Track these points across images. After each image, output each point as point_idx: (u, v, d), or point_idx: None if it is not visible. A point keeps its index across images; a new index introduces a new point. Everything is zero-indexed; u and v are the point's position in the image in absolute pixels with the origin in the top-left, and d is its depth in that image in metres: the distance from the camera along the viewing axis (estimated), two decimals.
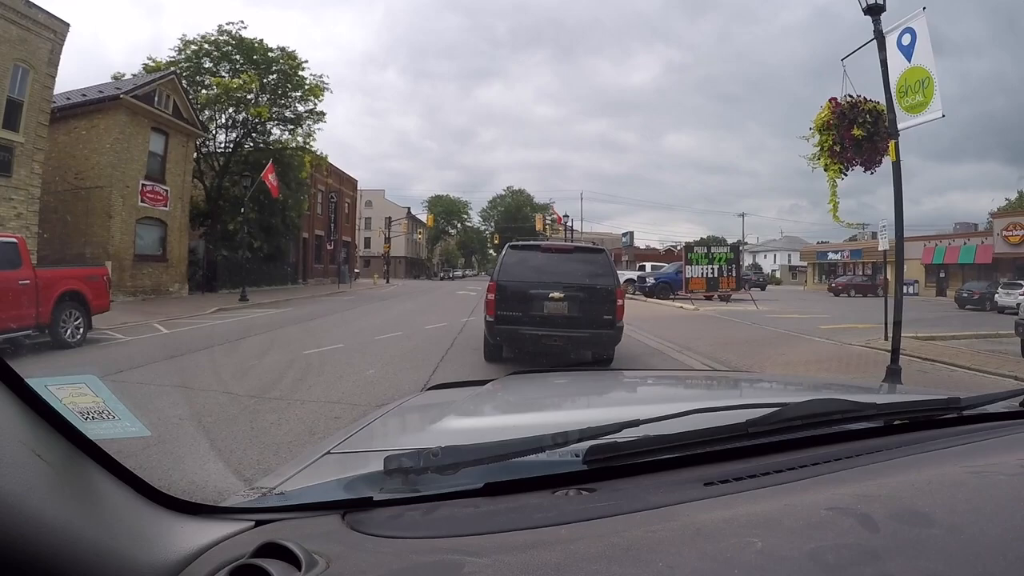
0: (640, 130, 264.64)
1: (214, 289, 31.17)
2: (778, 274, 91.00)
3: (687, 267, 28.96)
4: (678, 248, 78.49)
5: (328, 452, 1.56)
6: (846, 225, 12.60)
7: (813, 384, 2.78)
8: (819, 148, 10.00)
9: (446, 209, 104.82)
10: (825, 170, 9.97)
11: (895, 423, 1.51)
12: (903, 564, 0.83)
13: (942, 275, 49.96)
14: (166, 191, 28.02)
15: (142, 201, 26.61)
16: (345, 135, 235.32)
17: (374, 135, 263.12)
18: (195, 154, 33.07)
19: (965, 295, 36.60)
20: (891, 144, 8.77)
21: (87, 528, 0.87)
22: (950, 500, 1.05)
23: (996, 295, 33.91)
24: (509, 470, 1.16)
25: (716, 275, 28.99)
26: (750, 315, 23.11)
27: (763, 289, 29.80)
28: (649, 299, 32.26)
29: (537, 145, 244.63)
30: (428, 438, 1.46)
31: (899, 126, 8.71)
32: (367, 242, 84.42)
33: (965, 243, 48.05)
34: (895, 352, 8.93)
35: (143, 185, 26.68)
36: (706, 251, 29.94)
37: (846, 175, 9.94)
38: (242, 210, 29.14)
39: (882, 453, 1.30)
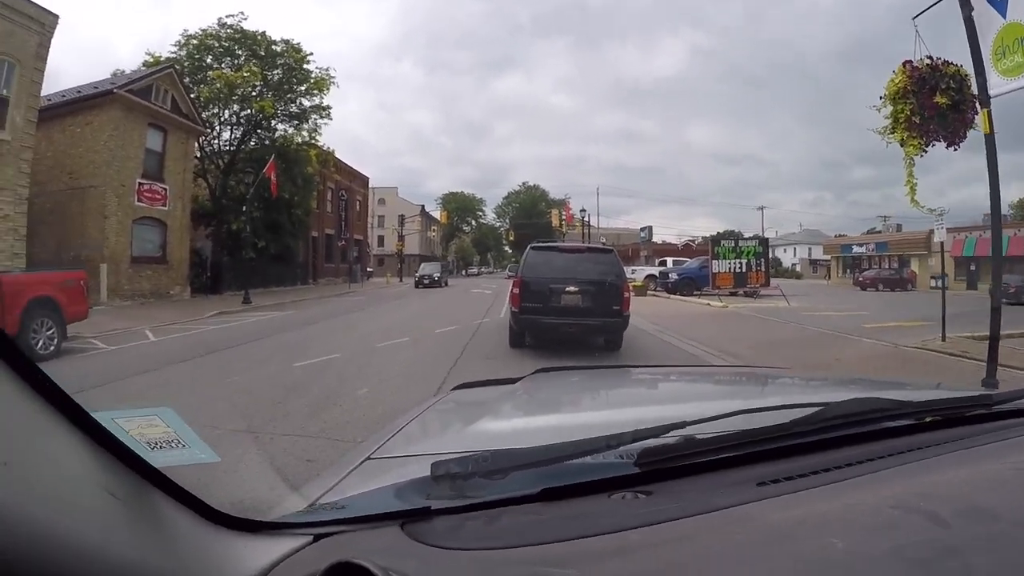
0: (661, 121, 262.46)
1: (218, 291, 30.00)
2: (798, 268, 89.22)
3: (713, 262, 27.07)
4: (696, 243, 77.46)
5: (368, 458, 1.51)
6: (926, 211, 11.09)
7: (842, 381, 2.83)
8: (893, 120, 8.45)
9: (460, 206, 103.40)
10: (902, 145, 8.41)
11: (928, 420, 1.48)
12: (985, 558, 0.83)
13: (972, 268, 47.78)
14: (165, 190, 26.79)
15: (139, 200, 25.40)
16: (358, 131, 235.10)
17: (388, 131, 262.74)
18: (198, 152, 32.05)
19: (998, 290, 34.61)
20: (983, 113, 7.30)
21: (159, 560, 0.85)
22: (1007, 496, 1.05)
23: None
24: (562, 475, 1.13)
25: (744, 270, 27.22)
26: (784, 313, 21.57)
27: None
28: (672, 296, 30.67)
29: (554, 139, 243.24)
30: (467, 441, 1.51)
31: (991, 92, 7.25)
32: (380, 240, 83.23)
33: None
34: (992, 362, 7.42)
35: (140, 184, 25.47)
36: (733, 245, 28.13)
37: (926, 151, 8.41)
38: (244, 208, 27.93)
39: (921, 451, 1.30)
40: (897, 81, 8.30)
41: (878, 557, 0.85)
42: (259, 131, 34.47)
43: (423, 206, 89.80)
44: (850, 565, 0.84)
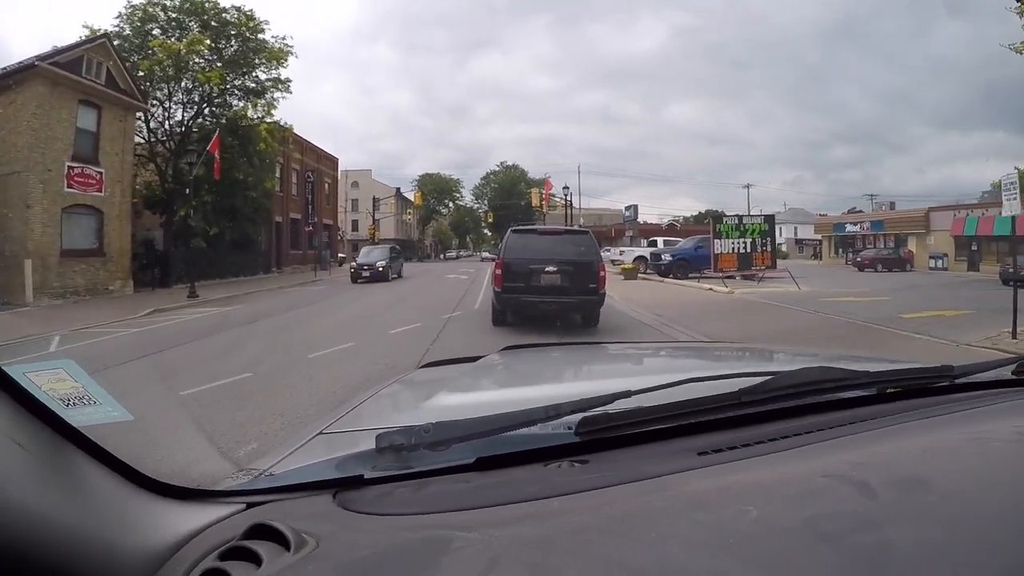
0: (642, 101, 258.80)
1: (167, 285, 27.10)
2: (784, 247, 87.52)
3: (716, 241, 24.28)
4: (680, 223, 75.29)
5: (320, 432, 1.53)
6: None
7: (808, 353, 2.81)
8: None
9: (437, 187, 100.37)
10: None
11: (888, 391, 1.47)
12: (903, 531, 0.84)
13: (974, 248, 45.66)
14: (100, 173, 23.74)
15: (69, 186, 22.36)
16: (336, 115, 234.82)
17: (366, 114, 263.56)
18: (146, 134, 29.53)
19: (1011, 270, 32.36)
20: None
21: (72, 516, 0.85)
22: (947, 466, 1.05)
23: None
24: (501, 444, 1.15)
25: (748, 250, 24.49)
26: (798, 298, 19.15)
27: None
28: (666, 279, 28.23)
29: (534, 119, 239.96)
30: (422, 415, 1.47)
31: None
32: (354, 225, 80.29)
33: (1000, 213, 43.79)
34: None
35: (70, 168, 22.42)
36: (737, 222, 25.11)
37: None
38: (187, 191, 25.04)
39: (876, 421, 1.28)
40: None
41: (787, 528, 0.85)
42: (212, 108, 31.30)
43: (398, 188, 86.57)
44: (754, 534, 0.84)
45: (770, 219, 25.54)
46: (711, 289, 22.20)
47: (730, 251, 24.13)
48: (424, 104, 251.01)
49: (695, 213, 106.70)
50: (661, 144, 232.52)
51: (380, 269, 31.33)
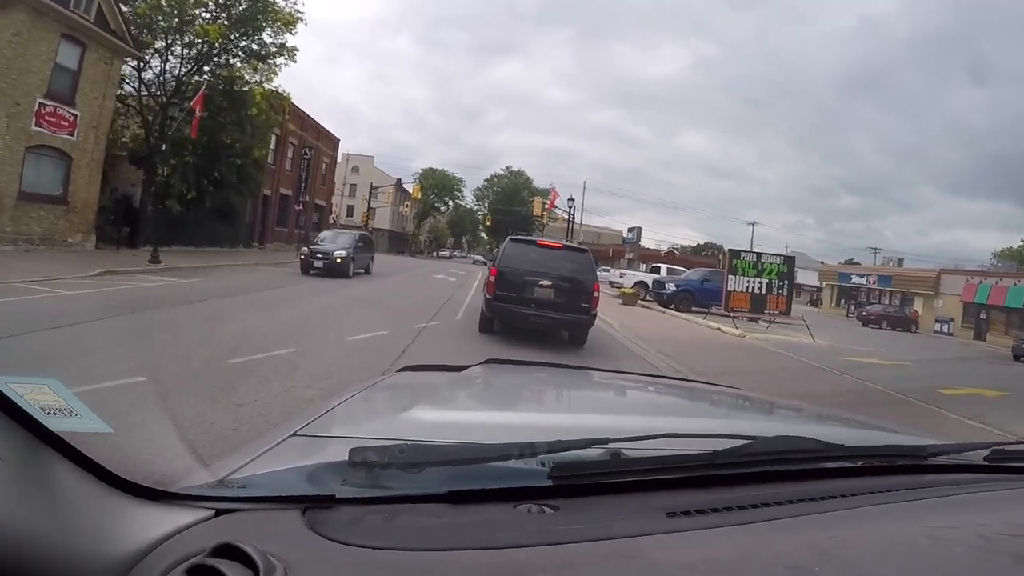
0: (654, 125, 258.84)
1: (135, 245, 25.23)
2: None
3: (730, 277, 22.30)
4: (678, 251, 73.75)
5: (294, 434, 1.47)
6: None
7: (793, 407, 2.64)
8: None
9: (438, 183, 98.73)
10: None
11: (861, 465, 1.45)
12: None
13: (982, 316, 44.28)
14: (74, 116, 21.76)
15: (37, 124, 20.36)
16: (349, 99, 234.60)
17: (381, 102, 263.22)
18: (140, 87, 27.95)
19: None
20: None
21: (43, 520, 0.85)
22: (905, 570, 1.02)
23: None
24: (473, 476, 1.13)
25: (764, 292, 22.43)
26: (815, 352, 17.39)
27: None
28: (667, 311, 26.32)
29: (545, 130, 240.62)
30: (398, 426, 1.53)
31: None
32: (350, 210, 78.44)
33: (1015, 284, 42.36)
34: None
35: (41, 104, 20.43)
36: (755, 260, 22.92)
37: None
38: (163, 147, 23.09)
39: (845, 499, 1.26)
40: None
41: None
42: (212, 66, 29.04)
43: (399, 179, 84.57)
44: None
45: (790, 261, 23.51)
46: (719, 329, 20.30)
47: (744, 289, 22.02)
48: (438, 101, 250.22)
49: (693, 244, 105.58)
50: (670, 171, 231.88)
51: (338, 262, 23.61)
